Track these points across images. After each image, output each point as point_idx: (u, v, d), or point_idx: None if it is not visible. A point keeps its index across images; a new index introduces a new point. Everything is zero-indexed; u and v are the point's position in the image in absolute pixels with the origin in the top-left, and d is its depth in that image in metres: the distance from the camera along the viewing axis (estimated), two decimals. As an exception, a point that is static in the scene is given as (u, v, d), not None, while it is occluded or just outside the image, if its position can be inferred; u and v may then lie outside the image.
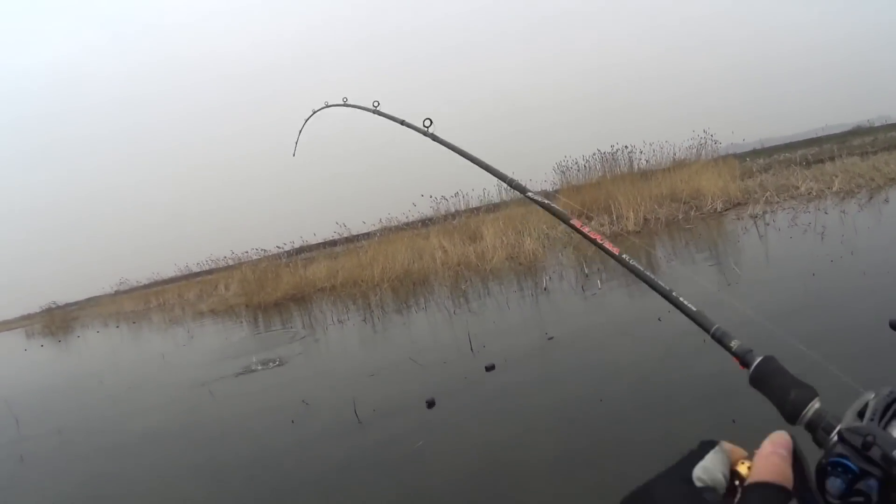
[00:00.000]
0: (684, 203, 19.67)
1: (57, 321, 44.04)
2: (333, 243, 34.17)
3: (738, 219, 16.83)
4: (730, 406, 5.03)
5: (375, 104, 2.82)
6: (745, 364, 1.13)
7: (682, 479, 0.74)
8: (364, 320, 14.49)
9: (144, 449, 7.84)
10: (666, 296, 1.37)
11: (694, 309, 1.33)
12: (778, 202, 18.96)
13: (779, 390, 1.02)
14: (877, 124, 53.90)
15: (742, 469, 0.80)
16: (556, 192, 26.56)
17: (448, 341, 10.11)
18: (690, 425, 5.14)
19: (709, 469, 0.77)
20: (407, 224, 28.70)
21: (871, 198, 13.07)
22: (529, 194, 1.76)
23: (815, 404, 0.97)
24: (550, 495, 4.66)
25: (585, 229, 1.53)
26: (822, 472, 0.83)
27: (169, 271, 60.37)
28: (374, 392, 7.96)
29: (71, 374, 18.01)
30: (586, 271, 13.41)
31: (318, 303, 20.50)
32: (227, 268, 38.01)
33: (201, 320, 24.80)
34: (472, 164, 1.84)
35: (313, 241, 36.99)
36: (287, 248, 33.79)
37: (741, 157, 23.28)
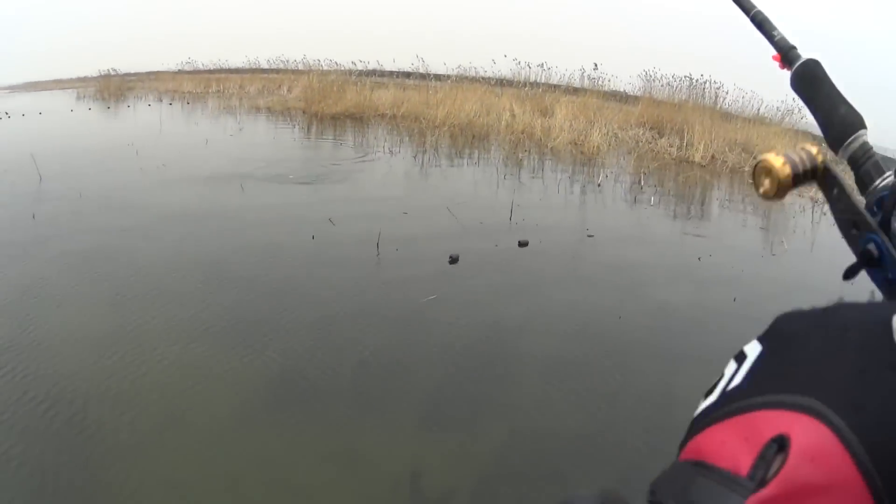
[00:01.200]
0: (754, 157, 19.17)
1: (112, 88, 43.40)
2: (407, 75, 33.89)
3: (799, 196, 16.45)
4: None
5: None
6: (786, 62, 1.01)
7: (880, 321, 0.52)
8: (414, 157, 14.38)
9: (155, 230, 7.77)
10: None
11: None
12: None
13: (826, 101, 0.91)
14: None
15: None
16: (637, 98, 26.26)
17: (489, 203, 10.02)
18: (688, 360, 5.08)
19: None
20: (482, 78, 28.31)
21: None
22: None
23: (864, 135, 0.86)
24: (535, 387, 4.65)
25: None
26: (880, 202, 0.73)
27: (237, 61, 59.93)
28: (401, 230, 7.92)
29: (109, 140, 17.60)
30: (642, 184, 13.09)
31: (374, 127, 20.29)
32: (296, 71, 37.66)
33: (256, 115, 24.67)
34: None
35: (389, 66, 36.66)
36: (360, 67, 33.52)
37: (820, 140, 22.60)
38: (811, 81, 0.95)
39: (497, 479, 3.60)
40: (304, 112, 23.89)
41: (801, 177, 0.68)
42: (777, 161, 0.66)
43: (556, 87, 27.36)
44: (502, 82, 28.07)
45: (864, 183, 0.82)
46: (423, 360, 4.83)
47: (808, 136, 22.34)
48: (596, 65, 27.15)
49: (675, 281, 7.26)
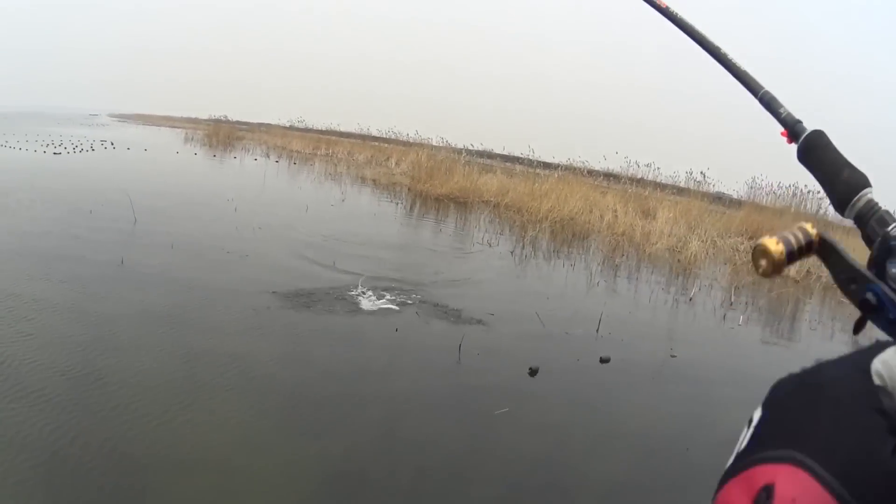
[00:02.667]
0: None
1: (221, 135, 44.32)
2: (516, 159, 34.25)
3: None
4: None
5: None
6: (793, 136, 1.06)
7: (858, 369, 0.62)
8: (512, 252, 14.54)
9: (239, 302, 7.82)
10: (714, 53, 1.23)
11: (743, 69, 1.19)
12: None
13: (830, 167, 0.97)
14: None
15: None
16: (740, 202, 26.29)
17: (579, 311, 10.10)
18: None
19: (889, 365, 0.62)
20: (591, 172, 28.54)
21: None
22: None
23: (869, 193, 0.91)
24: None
25: None
26: (887, 251, 0.78)
27: (349, 126, 61.39)
28: (486, 334, 8.06)
29: (211, 191, 18.57)
30: (732, 300, 13.06)
31: (477, 213, 20.70)
32: (406, 144, 38.39)
33: (360, 185, 25.45)
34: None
35: (499, 150, 37.15)
36: (471, 147, 33.94)
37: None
38: (815, 151, 0.99)
39: None
40: (408, 189, 24.41)
41: (797, 253, 0.79)
42: (771, 243, 0.76)
43: (662, 186, 27.46)
44: (609, 177, 28.28)
45: (870, 238, 0.86)
46: (484, 475, 4.84)
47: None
48: (703, 173, 27.29)
49: (748, 413, 7.15)
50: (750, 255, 0.79)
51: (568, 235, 18.74)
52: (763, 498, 0.55)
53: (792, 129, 1.06)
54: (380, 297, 8.93)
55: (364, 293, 8.96)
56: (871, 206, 0.90)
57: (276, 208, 16.57)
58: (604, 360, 7.75)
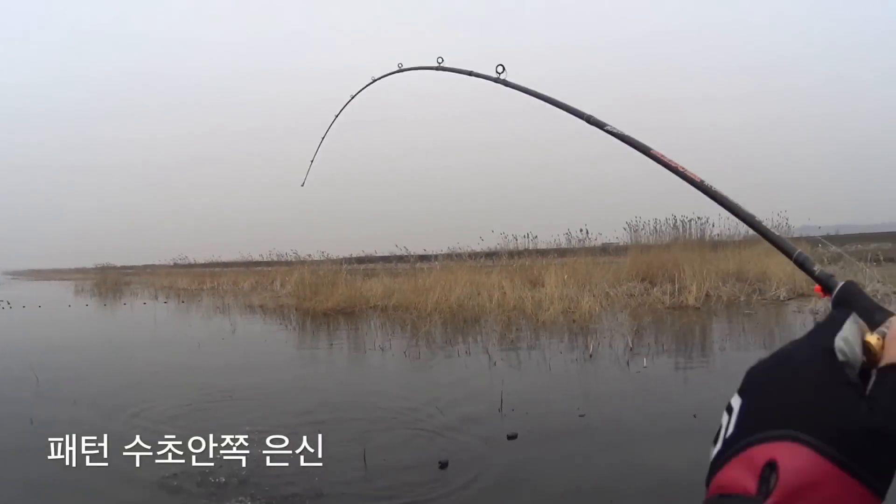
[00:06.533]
0: (749, 284, 19.19)
1: (109, 282, 47.15)
2: (399, 258, 34.43)
3: (799, 311, 16.30)
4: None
5: (439, 60, 2.84)
6: (827, 289, 1.09)
7: (824, 349, 0.70)
8: (405, 353, 14.27)
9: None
10: (748, 221, 1.39)
11: (776, 234, 1.32)
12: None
13: (863, 312, 0.90)
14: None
15: (872, 340, 0.72)
16: (626, 248, 26.74)
17: (480, 395, 9.81)
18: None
19: (849, 341, 0.71)
20: (472, 254, 28.65)
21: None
22: (608, 128, 1.73)
23: None
24: None
25: (666, 159, 1.53)
26: None
27: (230, 255, 62.14)
28: (390, 436, 7.83)
29: (105, 342, 18.41)
30: (633, 346, 12.96)
31: (366, 320, 20.55)
32: (288, 264, 38.94)
33: (250, 314, 25.42)
34: (547, 104, 1.85)
35: (376, 254, 37.42)
36: (350, 256, 34.29)
37: (814, 241, 22.04)
38: (850, 299, 0.97)
39: None
40: (296, 309, 24.50)
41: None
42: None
43: (544, 252, 27.73)
44: (492, 255, 28.51)
45: None
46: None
47: (800, 242, 22.40)
48: (582, 228, 27.88)
49: (673, 446, 6.97)
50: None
51: (459, 322, 18.64)
52: (768, 473, 0.61)
53: (826, 283, 1.12)
54: (287, 405, 8.39)
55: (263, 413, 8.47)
56: None
57: (170, 349, 16.38)
58: (511, 437, 7.54)
